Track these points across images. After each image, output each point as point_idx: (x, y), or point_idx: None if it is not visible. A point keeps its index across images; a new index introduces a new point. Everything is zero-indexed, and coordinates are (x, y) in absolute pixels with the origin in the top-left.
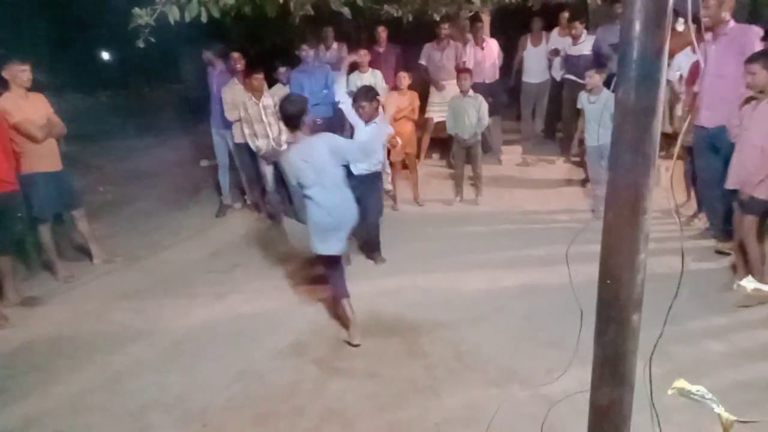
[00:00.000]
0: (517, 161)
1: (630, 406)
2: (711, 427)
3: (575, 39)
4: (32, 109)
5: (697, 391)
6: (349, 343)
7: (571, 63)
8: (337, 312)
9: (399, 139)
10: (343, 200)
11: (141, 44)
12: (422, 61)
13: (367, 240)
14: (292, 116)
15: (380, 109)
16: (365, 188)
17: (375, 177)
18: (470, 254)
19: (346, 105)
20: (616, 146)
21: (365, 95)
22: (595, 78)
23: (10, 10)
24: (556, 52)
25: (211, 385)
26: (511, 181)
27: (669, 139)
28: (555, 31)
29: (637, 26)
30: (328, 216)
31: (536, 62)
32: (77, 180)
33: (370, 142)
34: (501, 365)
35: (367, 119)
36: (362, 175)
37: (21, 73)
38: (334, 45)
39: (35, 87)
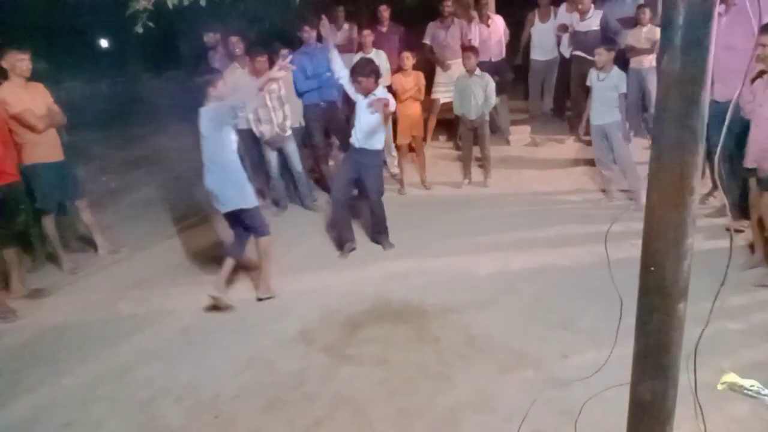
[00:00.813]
0: (525, 141)
1: (674, 401)
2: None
3: (582, 14)
4: (32, 98)
5: (751, 386)
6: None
7: (578, 39)
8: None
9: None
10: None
11: (140, 30)
12: (426, 41)
13: (372, 222)
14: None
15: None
16: (363, 164)
17: (373, 154)
18: (479, 237)
19: (344, 79)
20: (659, 120)
21: (362, 69)
22: (604, 55)
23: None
24: (564, 28)
25: (220, 373)
26: (519, 162)
27: None
28: (563, 7)
29: None
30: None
31: (544, 39)
32: (79, 170)
33: (242, 95)
34: (513, 349)
35: (365, 93)
36: (362, 149)
37: (20, 62)
38: (345, 26)
39: (34, 76)
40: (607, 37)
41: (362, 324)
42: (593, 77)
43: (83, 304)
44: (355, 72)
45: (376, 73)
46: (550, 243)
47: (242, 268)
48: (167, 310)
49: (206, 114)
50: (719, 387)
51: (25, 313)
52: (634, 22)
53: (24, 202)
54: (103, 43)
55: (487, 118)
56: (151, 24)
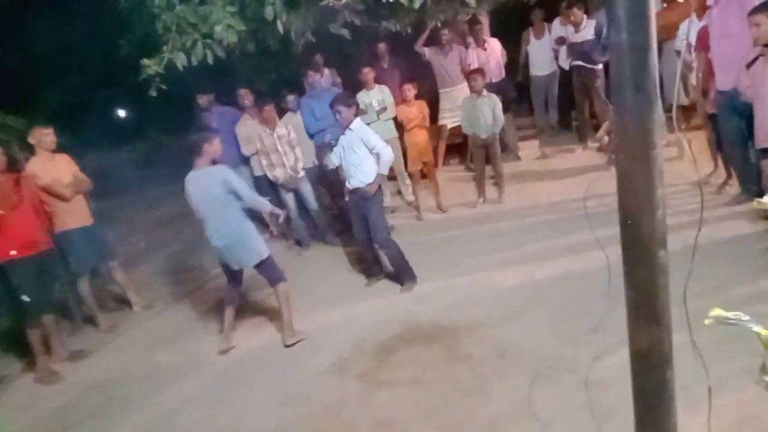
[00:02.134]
0: (535, 155)
1: (670, 345)
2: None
3: (576, 26)
4: (58, 169)
5: (734, 315)
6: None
7: (575, 50)
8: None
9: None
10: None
11: (153, 93)
12: (424, 56)
13: (390, 262)
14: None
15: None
16: (362, 202)
17: (367, 187)
18: (500, 251)
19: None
20: (617, 87)
21: (342, 100)
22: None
23: (28, 79)
24: (561, 41)
25: (260, 411)
26: (532, 176)
27: (688, 110)
28: (556, 21)
29: None
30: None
31: (542, 54)
32: (109, 232)
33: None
34: (545, 356)
35: (345, 124)
36: (356, 188)
37: (45, 136)
38: (326, 71)
39: (59, 149)
40: (603, 44)
41: (394, 348)
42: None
43: (123, 360)
44: (336, 102)
45: (356, 105)
46: (572, 250)
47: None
48: (203, 356)
49: (214, 177)
50: (706, 321)
51: (67, 375)
52: None
53: (59, 268)
54: (121, 112)
55: (497, 136)
56: (164, 87)
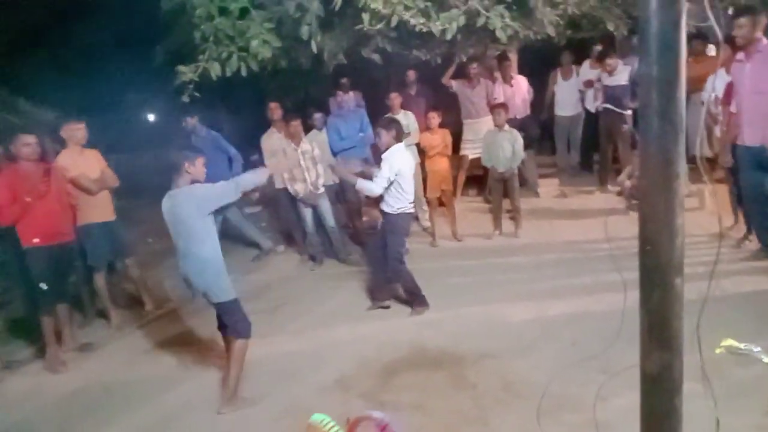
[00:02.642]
0: (554, 193)
1: (681, 372)
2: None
3: (611, 71)
4: (87, 164)
5: (745, 346)
6: None
7: (607, 93)
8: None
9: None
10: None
11: (186, 99)
12: (452, 85)
13: (404, 289)
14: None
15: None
16: (385, 226)
17: (388, 217)
18: (513, 285)
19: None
20: (644, 117)
21: (383, 124)
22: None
23: (63, 76)
24: (590, 84)
25: (259, 422)
26: (550, 213)
27: (710, 163)
28: (586, 64)
29: (654, 3)
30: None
31: (568, 95)
32: (128, 231)
33: (250, 178)
34: (551, 393)
35: (384, 147)
36: (383, 211)
37: (76, 131)
38: (350, 93)
39: (88, 145)
40: (635, 90)
41: (398, 371)
42: None
43: (130, 358)
44: (377, 125)
45: (397, 130)
46: (586, 289)
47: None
48: (209, 361)
49: (190, 197)
50: (717, 351)
51: (75, 366)
52: None
53: (77, 260)
54: (150, 117)
55: (516, 171)
56: (197, 94)
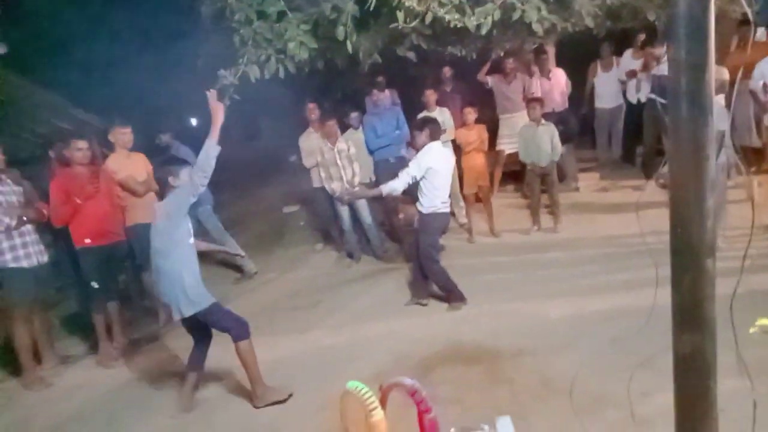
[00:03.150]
0: (595, 187)
1: (714, 353)
2: None
3: (659, 59)
4: (134, 166)
5: None
6: None
7: (654, 83)
8: None
9: None
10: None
11: (227, 102)
12: (488, 81)
13: (438, 286)
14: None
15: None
16: (418, 225)
17: (421, 216)
18: (552, 281)
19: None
20: (674, 101)
21: (416, 125)
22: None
23: (110, 83)
24: (633, 74)
25: (299, 414)
26: (590, 207)
27: (759, 153)
28: (627, 54)
29: None
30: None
31: (608, 87)
32: None
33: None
34: (590, 390)
35: (417, 148)
36: (418, 210)
37: (123, 135)
38: (386, 91)
39: (135, 149)
40: None
41: (435, 366)
42: None
43: (176, 351)
44: (413, 126)
45: (431, 129)
46: (627, 285)
47: None
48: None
49: (164, 207)
50: (751, 330)
51: (125, 360)
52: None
53: (126, 259)
54: (193, 121)
55: (555, 165)
56: (237, 97)
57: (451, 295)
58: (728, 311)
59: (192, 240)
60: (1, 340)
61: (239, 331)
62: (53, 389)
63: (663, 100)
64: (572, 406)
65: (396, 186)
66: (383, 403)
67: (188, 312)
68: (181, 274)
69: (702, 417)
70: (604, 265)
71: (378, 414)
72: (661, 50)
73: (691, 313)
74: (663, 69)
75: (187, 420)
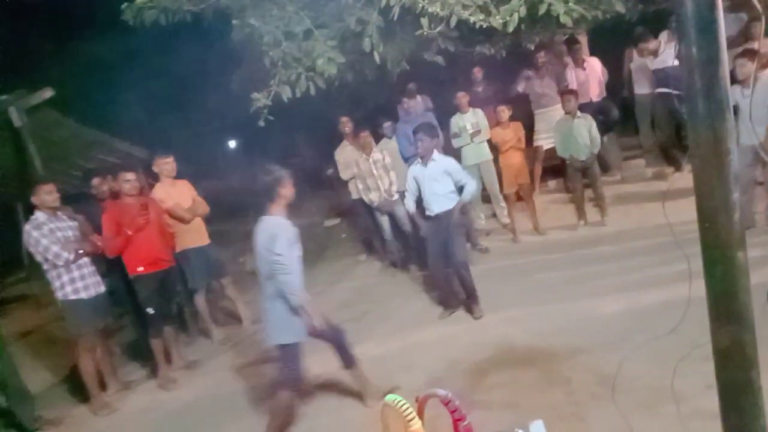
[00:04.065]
0: (641, 176)
1: (754, 344)
2: None
3: (655, 53)
4: (179, 194)
5: None
6: None
7: (657, 77)
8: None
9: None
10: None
11: (262, 124)
12: (519, 88)
13: (462, 287)
14: (263, 189)
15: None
16: (446, 226)
17: (453, 213)
18: (602, 276)
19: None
20: (690, 98)
21: (426, 130)
22: (747, 67)
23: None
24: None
25: (357, 425)
26: (637, 197)
27: None
28: (663, 36)
29: None
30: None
31: (645, 72)
32: (222, 252)
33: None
34: (650, 385)
35: (426, 154)
36: (440, 213)
37: (166, 165)
38: (418, 98)
39: (179, 176)
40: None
41: (488, 370)
42: (737, 94)
43: (233, 371)
44: (420, 130)
45: (437, 138)
46: (682, 275)
47: None
48: (307, 369)
49: (286, 230)
50: None
51: (183, 382)
52: (742, 40)
53: (178, 284)
54: (231, 143)
55: (596, 157)
56: (271, 117)
57: (473, 298)
58: None
59: None
60: (68, 370)
61: (291, 379)
62: (119, 414)
63: (676, 92)
64: (633, 403)
65: (475, 186)
66: (420, 413)
67: (272, 340)
68: (277, 302)
69: (747, 410)
70: (657, 256)
71: (416, 424)
72: (656, 43)
73: (726, 306)
74: (664, 60)
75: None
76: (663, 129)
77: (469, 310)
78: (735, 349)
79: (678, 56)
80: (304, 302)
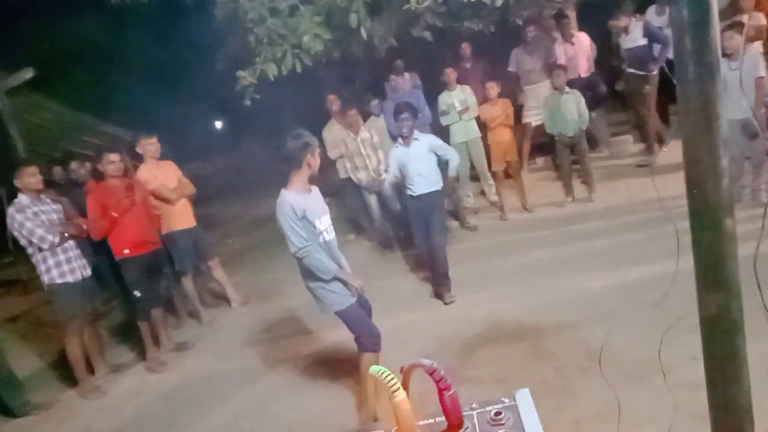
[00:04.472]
0: (629, 151)
1: (740, 312)
2: None
3: (624, 30)
4: (164, 175)
5: None
6: None
7: (628, 56)
8: None
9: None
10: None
11: (248, 102)
12: (511, 68)
13: (433, 271)
14: (290, 154)
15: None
16: (428, 208)
17: (436, 195)
18: (589, 252)
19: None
20: (680, 62)
21: (411, 109)
22: (735, 39)
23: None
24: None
25: (346, 402)
26: (625, 172)
27: None
28: (651, 10)
29: None
30: None
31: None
32: (209, 234)
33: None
34: (638, 358)
35: (408, 133)
36: (422, 195)
37: (150, 145)
38: (406, 75)
39: (163, 158)
40: (653, 47)
41: (477, 346)
42: (723, 68)
43: (222, 352)
44: (405, 110)
45: (418, 118)
46: (668, 249)
47: None
48: (294, 350)
49: (278, 206)
50: None
51: (173, 364)
52: (731, 12)
53: (166, 266)
54: (218, 124)
55: (584, 132)
56: (257, 96)
57: (445, 282)
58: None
59: None
60: (56, 354)
61: (367, 341)
62: (109, 397)
63: (641, 72)
64: (621, 377)
65: (458, 157)
66: (405, 384)
67: (327, 311)
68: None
69: (732, 377)
70: (644, 231)
71: (400, 395)
72: (626, 21)
73: (713, 273)
74: (635, 38)
75: (242, 414)
76: (637, 109)
77: (439, 296)
78: (722, 317)
79: (647, 34)
80: (335, 273)
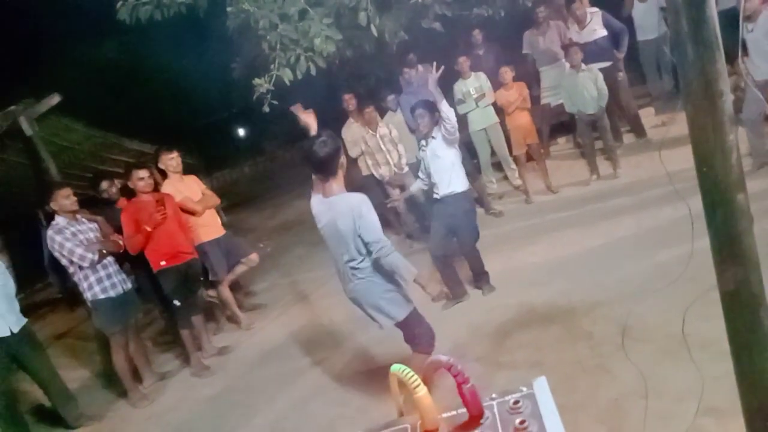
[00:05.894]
0: (651, 123)
1: (760, 285)
2: None
3: (580, 23)
4: (188, 188)
5: None
6: None
7: (586, 51)
8: None
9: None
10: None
11: (266, 109)
12: (526, 51)
13: (471, 271)
14: (322, 161)
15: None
16: (452, 213)
17: (460, 198)
18: (619, 229)
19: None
20: (678, 42)
21: (427, 105)
22: (752, 1)
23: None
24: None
25: (387, 395)
26: (649, 146)
27: None
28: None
29: None
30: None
31: (648, 17)
32: (240, 239)
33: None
34: (672, 333)
35: (427, 131)
36: (445, 197)
37: (170, 160)
38: (419, 67)
39: (188, 170)
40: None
41: (511, 332)
42: (744, 31)
43: (262, 354)
44: (420, 106)
45: (437, 114)
46: (700, 221)
47: None
48: (331, 346)
49: (370, 206)
50: None
51: (216, 369)
52: None
53: (202, 274)
54: (241, 132)
55: (604, 109)
56: (275, 102)
57: (483, 278)
58: None
59: None
60: (105, 367)
61: (422, 341)
62: (158, 404)
63: (608, 62)
64: (657, 352)
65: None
66: (427, 380)
67: (386, 323)
68: (376, 278)
69: (757, 350)
70: (674, 204)
71: (422, 390)
72: (582, 10)
73: (730, 249)
74: (592, 29)
75: (285, 413)
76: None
77: (479, 288)
78: (742, 291)
79: (606, 25)
80: (414, 275)
